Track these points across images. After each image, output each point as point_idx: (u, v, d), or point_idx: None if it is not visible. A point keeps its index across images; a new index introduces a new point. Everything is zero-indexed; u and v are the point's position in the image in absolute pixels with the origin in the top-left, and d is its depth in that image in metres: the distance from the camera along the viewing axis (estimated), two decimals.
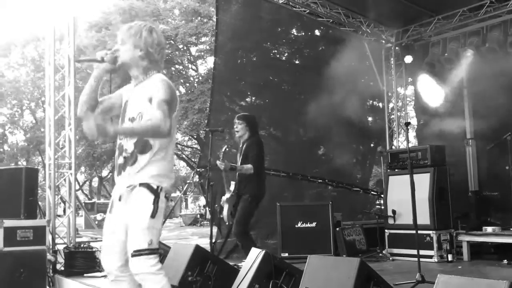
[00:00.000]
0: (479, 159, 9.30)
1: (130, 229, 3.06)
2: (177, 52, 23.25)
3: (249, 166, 6.01)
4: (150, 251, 3.00)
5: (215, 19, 9.86)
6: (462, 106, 9.60)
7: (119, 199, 3.19)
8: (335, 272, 4.07)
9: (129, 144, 3.19)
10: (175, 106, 3.16)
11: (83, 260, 6.08)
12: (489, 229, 7.58)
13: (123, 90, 3.43)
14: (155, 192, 3.09)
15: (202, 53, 23.94)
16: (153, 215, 3.04)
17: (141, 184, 3.09)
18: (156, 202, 3.07)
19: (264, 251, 4.53)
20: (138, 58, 3.26)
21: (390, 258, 7.81)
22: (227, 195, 6.18)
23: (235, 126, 6.30)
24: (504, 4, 8.32)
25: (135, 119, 3.21)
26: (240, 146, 6.31)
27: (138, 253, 2.98)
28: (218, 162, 6.08)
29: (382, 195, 9.05)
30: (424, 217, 7.47)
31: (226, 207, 6.15)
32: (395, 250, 7.88)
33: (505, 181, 8.41)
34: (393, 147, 10.20)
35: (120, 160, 3.22)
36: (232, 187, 6.21)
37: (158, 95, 3.06)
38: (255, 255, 4.59)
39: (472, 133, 9.45)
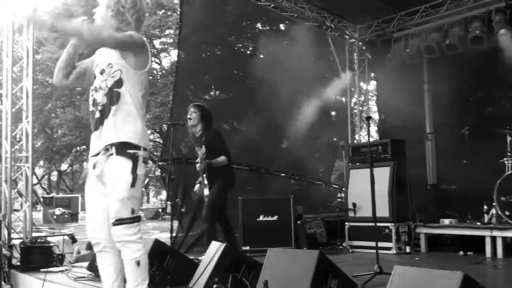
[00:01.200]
0: (438, 153, 9.48)
1: (111, 199, 3.03)
2: None
3: (223, 158, 6.07)
4: (131, 220, 3.01)
5: (179, 12, 9.77)
6: (423, 101, 9.74)
7: (94, 167, 3.14)
8: (295, 265, 4.08)
9: (100, 96, 3.18)
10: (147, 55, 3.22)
11: (40, 255, 5.93)
12: (446, 221, 7.76)
13: (95, 55, 3.41)
14: (133, 158, 3.05)
15: (166, 46, 23.74)
16: (132, 185, 3.02)
17: (118, 152, 3.03)
18: (134, 170, 3.04)
19: (224, 245, 4.53)
20: (109, 17, 3.25)
21: (350, 250, 7.91)
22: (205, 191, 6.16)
23: (189, 114, 6.24)
24: (464, 2, 8.48)
25: (105, 70, 3.19)
26: (197, 137, 6.26)
27: (119, 222, 2.99)
28: (198, 165, 6.05)
29: (344, 188, 9.14)
30: (383, 210, 7.59)
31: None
32: (355, 243, 7.99)
33: (462, 175, 8.62)
34: (355, 141, 10.31)
35: (97, 114, 3.18)
36: (206, 181, 6.19)
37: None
38: (215, 248, 4.58)
39: (431, 127, 9.60)
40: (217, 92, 10.93)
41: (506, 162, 7.39)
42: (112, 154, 3.05)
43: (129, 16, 3.26)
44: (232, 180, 6.30)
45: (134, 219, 3.02)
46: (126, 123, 3.12)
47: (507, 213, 6.98)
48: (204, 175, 6.11)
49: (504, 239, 7.03)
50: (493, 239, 7.04)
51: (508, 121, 7.89)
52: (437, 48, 8.73)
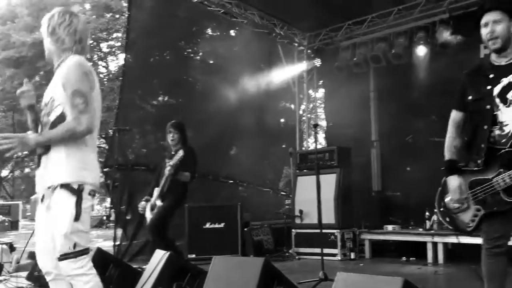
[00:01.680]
0: (383, 161, 9.64)
1: (55, 234, 2.95)
2: None
3: (188, 174, 5.96)
4: (75, 254, 2.92)
5: (127, 15, 9.61)
6: (369, 109, 9.91)
7: (42, 200, 3.06)
8: (239, 273, 4.04)
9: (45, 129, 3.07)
10: (91, 86, 3.03)
11: None
12: (390, 227, 7.92)
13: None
14: (77, 193, 2.95)
15: (113, 50, 23.33)
16: (76, 218, 2.93)
17: (61, 186, 2.93)
18: (78, 204, 2.94)
19: (168, 253, 4.46)
20: (49, 43, 3.13)
21: (297, 257, 7.95)
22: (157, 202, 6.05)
23: (171, 136, 6.15)
24: (410, 12, 8.68)
25: (47, 104, 3.07)
26: (172, 152, 6.16)
27: (64, 257, 2.91)
28: (167, 169, 5.94)
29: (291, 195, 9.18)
30: (329, 217, 7.69)
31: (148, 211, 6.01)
32: (301, 249, 8.04)
33: (406, 182, 8.80)
34: (303, 148, 10.38)
35: (39, 150, 3.06)
36: (156, 193, 6.08)
37: (70, 84, 2.95)
38: (159, 257, 4.50)
39: (377, 135, 9.78)
40: (166, 97, 10.79)
41: None
42: (56, 187, 2.96)
43: (61, 32, 3.14)
44: (183, 198, 6.14)
45: (79, 253, 2.94)
46: (69, 157, 3.02)
47: (447, 219, 7.12)
48: (157, 188, 6.03)
49: (445, 244, 7.22)
50: (435, 244, 7.22)
51: None
52: (383, 58, 8.90)
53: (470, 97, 3.37)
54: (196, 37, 10.79)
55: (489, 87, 3.24)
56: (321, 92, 11.59)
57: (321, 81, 10.91)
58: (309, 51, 10.43)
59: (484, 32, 3.27)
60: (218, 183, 9.82)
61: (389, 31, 8.99)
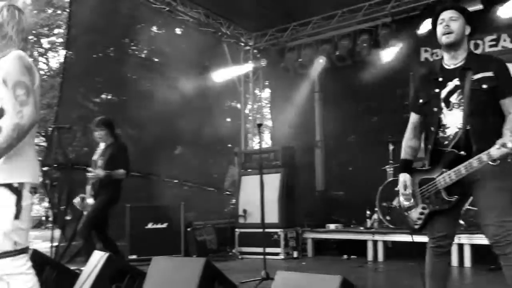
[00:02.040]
0: (327, 160, 9.77)
1: None
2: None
3: (122, 171, 5.88)
4: (16, 252, 2.86)
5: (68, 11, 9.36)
6: (314, 109, 10.01)
7: None
8: (180, 273, 4.00)
9: None
10: (32, 80, 2.96)
11: None
12: (332, 226, 8.03)
13: None
14: (17, 192, 2.89)
15: (55, 46, 22.63)
16: (17, 217, 2.87)
17: (1, 185, 2.86)
18: (19, 202, 2.88)
19: (107, 255, 4.37)
20: None
21: (240, 257, 7.94)
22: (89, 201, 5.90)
23: (97, 134, 6.04)
24: (354, 15, 8.83)
25: None
26: (103, 148, 6.03)
27: (3, 255, 2.84)
28: (96, 171, 5.81)
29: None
30: (273, 216, 7.72)
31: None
32: (245, 249, 8.04)
33: (349, 181, 8.96)
34: (248, 147, 10.39)
35: None
36: (88, 191, 5.95)
37: (11, 76, 2.87)
38: (97, 258, 4.39)
39: (321, 135, 9.89)
40: (109, 95, 10.54)
41: (387, 170, 7.76)
42: None
43: (10, 29, 3.04)
44: (116, 196, 6.02)
45: (19, 252, 2.89)
46: (6, 157, 2.92)
47: (388, 218, 7.31)
48: (89, 187, 5.89)
49: (385, 243, 7.39)
50: (375, 243, 7.37)
51: (391, 130, 8.30)
52: (328, 59, 9.01)
53: (421, 100, 3.46)
54: (140, 34, 10.57)
55: (437, 90, 3.33)
56: (267, 92, 11.63)
57: (267, 81, 10.94)
58: (255, 51, 10.46)
59: (440, 28, 3.33)
60: (161, 182, 9.67)
61: (334, 33, 9.12)
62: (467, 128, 3.16)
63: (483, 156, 3.00)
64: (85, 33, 8.90)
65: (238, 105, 11.21)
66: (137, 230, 7.62)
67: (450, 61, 3.35)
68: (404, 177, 3.43)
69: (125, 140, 9.63)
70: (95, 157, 6.04)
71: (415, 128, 3.54)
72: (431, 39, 8.03)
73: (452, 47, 3.31)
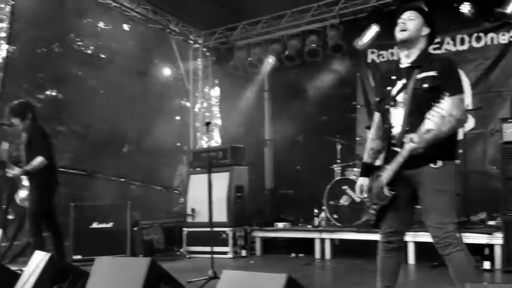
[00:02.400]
0: (276, 159, 9.81)
1: None
2: None
3: (40, 159, 5.59)
4: None
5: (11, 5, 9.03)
6: (263, 108, 10.03)
7: None
8: (124, 273, 3.90)
9: None
10: None
11: None
12: (280, 225, 8.07)
13: None
14: None
15: None
16: None
17: None
18: None
19: (49, 254, 4.25)
20: None
21: (188, 256, 7.87)
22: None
23: (14, 121, 5.79)
24: (303, 15, 8.89)
25: None
26: (24, 136, 5.84)
27: None
28: (12, 171, 5.67)
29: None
30: (221, 215, 7.70)
31: None
32: (193, 248, 7.99)
33: (297, 180, 9.02)
34: (197, 146, 10.31)
35: None
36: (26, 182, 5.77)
37: None
38: (39, 258, 4.26)
39: (270, 134, 9.92)
40: (54, 91, 10.26)
41: (335, 168, 7.86)
42: None
43: None
44: (46, 184, 5.76)
45: None
46: None
47: (335, 216, 7.41)
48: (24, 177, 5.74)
49: (332, 240, 7.47)
50: (322, 241, 7.45)
51: (339, 130, 8.42)
52: (277, 59, 9.05)
53: (377, 99, 3.58)
54: (87, 30, 10.35)
55: (389, 88, 3.40)
56: (217, 91, 11.56)
57: (217, 80, 10.88)
58: (204, 49, 10.38)
59: (397, 27, 3.38)
60: (107, 181, 9.49)
61: (283, 33, 9.16)
62: (407, 128, 3.21)
63: (403, 151, 3.13)
64: (28, 28, 8.68)
65: (188, 104, 11.10)
66: (81, 230, 7.45)
67: (404, 60, 3.41)
68: (362, 182, 3.54)
69: (71, 138, 9.49)
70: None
71: (379, 128, 3.57)
72: (378, 41, 8.29)
73: (405, 44, 3.37)
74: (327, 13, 8.67)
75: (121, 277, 3.88)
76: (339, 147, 7.94)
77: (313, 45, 8.69)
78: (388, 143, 3.39)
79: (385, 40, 8.41)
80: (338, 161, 7.89)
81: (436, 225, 3.14)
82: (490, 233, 6.03)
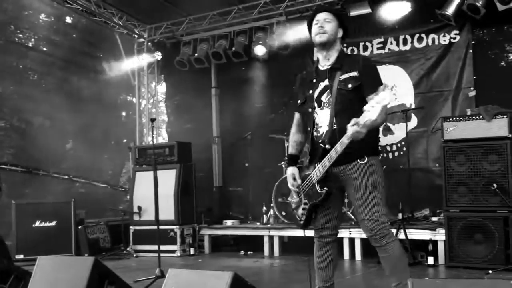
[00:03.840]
0: (224, 156, 9.78)
1: None
2: None
3: None
4: None
5: None
6: (211, 105, 9.97)
7: None
8: (67, 273, 3.81)
9: None
10: None
11: None
12: (229, 222, 8.08)
13: None
14: None
15: None
16: None
17: None
18: None
19: None
20: None
21: (134, 255, 7.76)
22: None
23: None
24: (250, 12, 8.89)
25: None
26: None
27: None
28: None
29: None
30: (169, 213, 7.62)
31: None
32: (140, 247, 7.87)
33: (245, 177, 9.03)
34: (144, 143, 10.16)
35: None
36: None
37: None
38: None
39: (218, 131, 9.88)
40: None
41: (283, 166, 7.90)
42: None
43: None
44: None
45: None
46: None
47: (283, 213, 7.39)
48: None
49: (281, 238, 7.53)
50: (271, 238, 7.50)
51: (286, 127, 8.44)
52: (224, 55, 9.01)
53: (299, 101, 3.63)
54: (27, 22, 10.00)
55: (311, 91, 3.51)
56: (163, 86, 11.42)
57: (162, 75, 10.75)
58: (149, 44, 10.20)
59: (315, 28, 3.47)
60: (50, 178, 9.23)
61: (230, 29, 9.13)
62: (334, 127, 3.33)
63: (344, 138, 3.15)
64: None
65: (134, 99, 10.92)
66: (24, 229, 7.26)
67: (323, 62, 3.52)
68: (292, 170, 3.59)
69: (12, 133, 9.16)
70: None
71: (299, 125, 3.73)
72: None
73: (324, 47, 3.47)
74: (274, 11, 8.70)
75: (64, 277, 3.80)
76: (287, 144, 7.97)
77: (260, 42, 8.69)
78: (312, 144, 3.50)
79: None
80: (286, 158, 7.92)
81: (372, 217, 3.26)
82: (433, 229, 6.22)
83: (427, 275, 5.53)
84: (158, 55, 9.80)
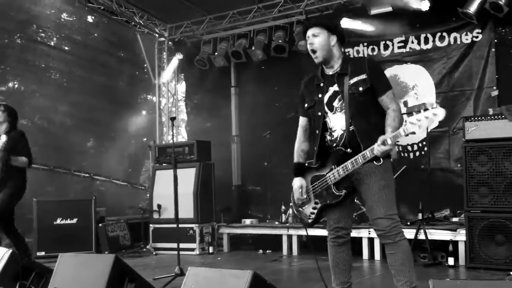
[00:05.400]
0: (243, 155, 9.79)
1: None
2: None
3: (25, 159, 5.68)
4: None
5: None
6: (230, 104, 9.99)
7: None
8: (88, 270, 3.86)
9: None
10: None
11: None
12: (248, 221, 8.07)
13: None
14: None
15: None
16: None
17: None
18: None
19: (10, 251, 4.22)
20: None
21: (154, 253, 7.81)
22: None
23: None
24: (270, 11, 8.89)
25: None
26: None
27: None
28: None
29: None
30: (188, 211, 7.65)
31: None
32: (159, 245, 7.92)
33: (265, 176, 9.02)
34: (164, 141, 10.22)
35: None
36: None
37: None
38: (0, 255, 4.17)
39: (237, 130, 9.89)
40: (16, 84, 10.02)
41: None
42: None
43: None
44: (21, 189, 5.83)
45: None
46: None
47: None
48: None
49: (300, 237, 7.51)
50: (289, 237, 7.48)
51: None
52: (243, 54, 9.02)
53: (306, 105, 3.70)
54: (49, 21, 10.12)
55: (320, 96, 3.58)
56: (183, 85, 11.47)
57: (183, 74, 10.80)
58: (170, 43, 10.26)
59: (308, 46, 3.56)
60: (71, 176, 9.34)
61: (249, 28, 9.14)
62: (351, 129, 3.42)
63: (367, 152, 3.26)
64: None
65: (154, 98, 10.99)
66: (45, 226, 7.34)
67: (328, 70, 3.59)
68: (299, 183, 3.64)
69: (33, 131, 9.28)
70: None
71: (305, 131, 3.78)
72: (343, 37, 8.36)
73: (324, 63, 3.55)
74: (293, 9, 8.69)
75: (85, 274, 3.84)
76: None
77: (280, 41, 8.68)
78: (322, 147, 3.56)
79: (351, 37, 8.50)
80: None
81: (385, 216, 3.36)
82: (454, 230, 6.15)
83: (448, 276, 5.47)
84: (178, 54, 9.84)
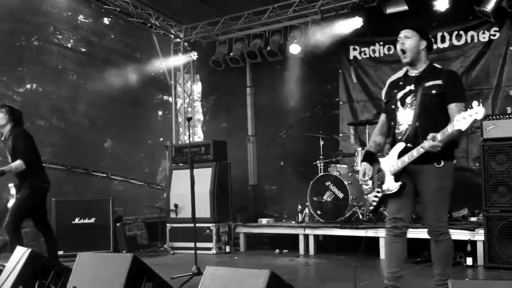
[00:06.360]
0: (259, 155, 9.80)
1: None
2: None
3: (18, 163, 5.60)
4: None
5: None
6: (246, 104, 10.01)
7: None
8: (106, 269, 3.89)
9: None
10: None
11: None
12: (264, 220, 8.07)
13: None
14: None
15: None
16: None
17: None
18: None
19: (30, 250, 4.26)
20: None
21: (171, 252, 7.85)
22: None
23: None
24: (285, 11, 8.90)
25: None
26: (5, 138, 5.82)
27: None
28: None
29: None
30: (204, 211, 7.68)
31: None
32: (176, 244, 7.95)
33: (281, 176, 9.04)
34: (180, 141, 10.27)
35: None
36: (13, 191, 5.75)
37: None
38: (20, 254, 4.25)
39: (253, 130, 9.91)
40: (34, 85, 10.12)
41: (318, 164, 7.88)
42: None
43: None
44: (40, 185, 5.83)
45: None
46: None
47: (318, 212, 7.44)
48: (11, 185, 5.72)
49: (316, 236, 7.50)
50: (306, 237, 7.47)
51: (321, 126, 8.44)
52: (259, 54, 9.04)
53: (385, 100, 4.02)
54: (66, 23, 10.21)
55: (395, 91, 3.87)
56: (199, 86, 11.53)
57: (198, 75, 10.84)
58: (185, 44, 10.31)
59: (398, 46, 3.83)
60: (88, 176, 9.42)
61: (265, 28, 9.15)
62: (416, 124, 3.66)
63: (419, 147, 3.51)
64: (5, 20, 8.54)
65: (170, 99, 11.05)
66: (64, 225, 7.40)
67: (412, 71, 3.86)
68: (364, 166, 3.93)
69: (51, 132, 9.38)
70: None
71: (382, 126, 4.05)
72: (359, 37, 8.37)
73: (410, 64, 3.81)
74: (309, 9, 8.69)
75: (104, 273, 3.87)
76: (322, 143, 7.96)
77: (295, 40, 8.68)
78: (393, 139, 3.84)
79: (367, 36, 8.48)
80: (321, 157, 7.90)
81: (435, 215, 3.68)
82: (472, 230, 6.09)
83: (466, 276, 5.43)
84: (194, 55, 9.88)
